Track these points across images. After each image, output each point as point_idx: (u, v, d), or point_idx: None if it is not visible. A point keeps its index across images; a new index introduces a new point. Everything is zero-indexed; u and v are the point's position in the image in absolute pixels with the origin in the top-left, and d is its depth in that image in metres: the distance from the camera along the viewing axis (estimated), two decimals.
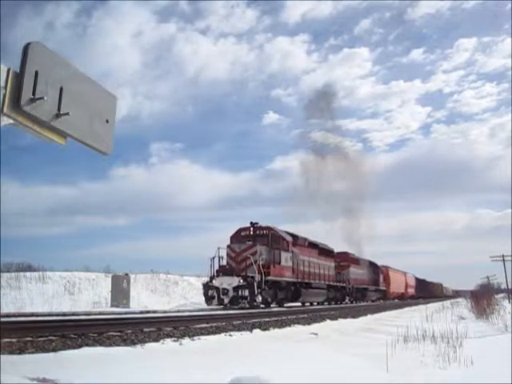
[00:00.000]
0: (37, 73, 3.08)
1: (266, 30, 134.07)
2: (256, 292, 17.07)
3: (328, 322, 13.98)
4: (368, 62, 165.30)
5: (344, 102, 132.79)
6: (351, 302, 31.88)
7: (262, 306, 18.45)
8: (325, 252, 27.55)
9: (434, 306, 30.62)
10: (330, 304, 27.53)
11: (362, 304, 32.81)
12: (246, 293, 17.02)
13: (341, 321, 14.91)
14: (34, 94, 3.05)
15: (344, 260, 32.32)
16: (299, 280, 21.74)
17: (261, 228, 20.46)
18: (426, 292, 69.49)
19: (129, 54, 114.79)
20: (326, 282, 26.20)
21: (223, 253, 19.27)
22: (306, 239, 24.65)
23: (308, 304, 25.99)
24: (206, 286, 17.97)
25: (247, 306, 17.10)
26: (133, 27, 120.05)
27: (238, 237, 20.24)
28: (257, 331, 9.97)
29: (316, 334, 10.02)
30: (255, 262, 17.73)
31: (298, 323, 12.61)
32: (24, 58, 3.04)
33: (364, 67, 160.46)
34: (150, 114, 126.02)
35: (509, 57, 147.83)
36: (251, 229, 20.39)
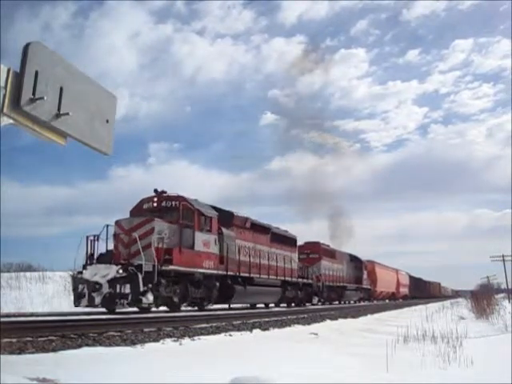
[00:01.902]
0: (37, 73, 3.08)
1: (262, 31, 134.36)
2: (142, 288, 11.58)
3: (328, 321, 13.98)
4: (364, 62, 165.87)
5: (341, 103, 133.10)
6: (322, 304, 26.65)
7: (156, 308, 13.42)
8: (281, 239, 21.69)
9: (433, 306, 30.60)
10: (289, 306, 22.29)
11: (336, 306, 27.93)
12: (128, 289, 11.52)
13: (341, 321, 14.91)
14: (34, 94, 3.05)
15: (314, 251, 27.37)
16: (231, 273, 15.91)
17: (169, 198, 14.62)
18: (423, 292, 65.38)
19: (126, 54, 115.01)
20: (281, 278, 20.39)
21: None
22: (247, 219, 18.56)
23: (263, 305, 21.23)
24: (75, 280, 12.16)
25: (127, 307, 11.85)
26: (130, 28, 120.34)
27: (139, 211, 14.46)
28: (257, 331, 9.97)
29: (316, 334, 10.02)
30: (150, 244, 12.34)
31: (298, 323, 12.61)
32: (24, 58, 3.04)
33: (360, 68, 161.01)
34: (148, 114, 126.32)
35: (505, 58, 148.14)
36: (155, 199, 14.65)
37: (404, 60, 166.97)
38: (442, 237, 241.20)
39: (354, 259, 35.12)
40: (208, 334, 8.83)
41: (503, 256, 39.33)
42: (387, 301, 44.50)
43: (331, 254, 30.01)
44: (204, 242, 14.52)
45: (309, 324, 12.74)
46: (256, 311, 16.19)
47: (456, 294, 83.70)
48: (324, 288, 26.61)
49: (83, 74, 3.57)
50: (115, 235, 13.09)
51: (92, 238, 12.80)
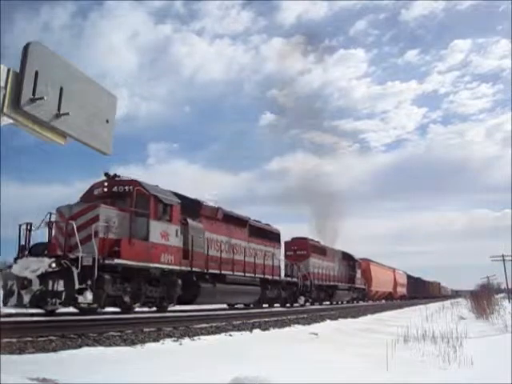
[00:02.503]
0: (37, 73, 3.08)
1: (261, 32, 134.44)
2: (78, 285, 9.79)
3: (328, 321, 13.99)
4: (364, 62, 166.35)
5: (340, 103, 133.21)
6: (311, 304, 24.57)
7: (102, 309, 11.47)
8: (262, 233, 19.67)
9: (433, 306, 30.60)
10: (271, 306, 20.16)
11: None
12: (62, 286, 9.83)
13: (341, 321, 14.91)
14: (34, 93, 3.05)
15: (302, 248, 25.44)
16: (197, 269, 13.82)
17: (121, 183, 12.66)
18: (421, 292, 63.24)
19: (125, 55, 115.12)
20: (260, 276, 18.15)
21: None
22: (218, 209, 16.37)
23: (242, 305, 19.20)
24: (4, 275, 10.53)
25: (59, 307, 10.23)
26: (129, 28, 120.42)
27: (89, 197, 12.57)
28: (257, 331, 9.97)
29: (316, 334, 10.02)
30: (94, 234, 10.53)
31: (298, 323, 12.62)
32: (24, 58, 3.04)
33: (360, 68, 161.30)
34: (148, 114, 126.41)
35: (503, 58, 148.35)
36: (106, 184, 12.71)
37: (403, 60, 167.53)
38: (442, 237, 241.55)
39: (346, 257, 33.08)
40: (208, 333, 8.84)
41: (503, 256, 39.31)
42: (383, 301, 42.88)
43: (321, 250, 27.87)
44: (162, 232, 12.51)
45: (309, 324, 12.75)
46: (256, 311, 16.17)
47: (456, 294, 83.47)
48: (312, 287, 24.41)
49: (83, 74, 3.57)
50: (52, 223, 11.19)
51: (25, 226, 10.82)
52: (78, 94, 3.46)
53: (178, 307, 14.27)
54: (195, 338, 8.05)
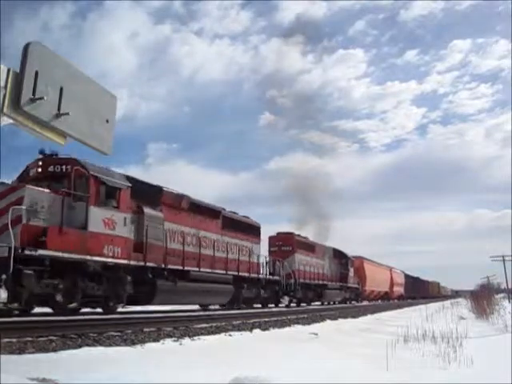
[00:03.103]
0: (37, 73, 3.08)
1: (260, 32, 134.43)
2: None
3: (328, 321, 14.00)
4: (363, 63, 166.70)
5: (339, 103, 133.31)
6: (297, 305, 23.00)
7: (27, 309, 9.92)
8: (238, 226, 17.69)
9: (433, 306, 30.61)
10: (249, 307, 17.86)
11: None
12: None
13: (341, 321, 14.92)
14: (34, 94, 3.05)
15: (287, 243, 23.56)
16: (152, 264, 11.96)
17: (58, 162, 10.88)
18: (420, 291, 61.86)
19: (125, 55, 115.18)
20: (234, 273, 16.34)
21: None
22: (183, 197, 14.29)
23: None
24: None
25: None
26: (128, 29, 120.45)
27: (25, 179, 10.83)
28: (257, 331, 9.98)
29: (316, 334, 10.02)
30: (15, 219, 8.91)
31: (298, 323, 12.63)
32: (24, 58, 3.04)
33: (359, 68, 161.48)
34: (147, 114, 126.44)
35: (503, 58, 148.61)
36: (40, 163, 10.93)
37: (402, 60, 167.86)
38: (442, 237, 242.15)
39: (338, 254, 30.99)
40: (208, 333, 8.84)
41: (503, 256, 39.34)
42: (379, 301, 41.15)
43: (309, 247, 25.81)
44: (106, 220, 10.74)
45: (309, 324, 12.76)
46: (256, 311, 16.18)
47: (456, 294, 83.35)
48: (298, 286, 22.31)
49: (83, 74, 3.57)
50: None
51: None
52: (78, 94, 3.46)
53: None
54: (195, 337, 8.05)
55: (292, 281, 21.82)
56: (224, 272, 15.70)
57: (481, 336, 10.40)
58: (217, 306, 17.52)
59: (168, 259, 12.69)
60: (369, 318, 18.12)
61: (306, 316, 15.29)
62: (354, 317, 17.32)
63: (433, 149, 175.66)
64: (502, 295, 41.58)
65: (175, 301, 13.90)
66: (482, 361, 6.37)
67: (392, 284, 46.15)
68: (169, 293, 12.62)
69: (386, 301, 42.85)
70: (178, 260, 13.32)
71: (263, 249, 20.95)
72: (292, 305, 22.26)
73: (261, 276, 18.97)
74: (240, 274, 16.78)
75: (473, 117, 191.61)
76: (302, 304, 23.87)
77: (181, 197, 14.26)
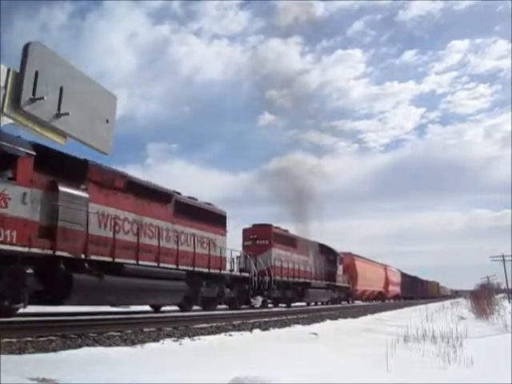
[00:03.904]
0: (37, 73, 3.08)
1: (258, 32, 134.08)
2: None
3: (328, 321, 13.99)
4: (361, 63, 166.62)
5: (338, 103, 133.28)
6: (274, 305, 20.64)
7: None
8: (196, 214, 15.04)
9: (433, 306, 30.61)
10: (208, 309, 15.22)
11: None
12: None
13: (341, 321, 14.92)
14: (34, 94, 3.06)
15: (263, 237, 20.95)
16: (66, 254, 9.56)
17: None
18: (418, 291, 59.65)
19: (124, 55, 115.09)
20: (187, 267, 13.81)
21: None
22: (117, 174, 11.90)
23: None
24: None
25: None
26: (127, 29, 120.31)
27: None
28: (257, 331, 9.97)
29: (316, 334, 10.02)
30: None
31: (298, 323, 12.62)
32: (24, 58, 3.04)
33: (357, 68, 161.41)
34: (146, 114, 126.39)
35: (501, 58, 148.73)
36: None
37: (400, 61, 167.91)
38: (442, 237, 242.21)
39: (325, 250, 28.33)
40: (208, 333, 8.83)
41: (503, 256, 39.32)
42: (374, 302, 38.84)
43: (289, 241, 23.33)
44: None
45: (309, 324, 12.75)
46: (256, 311, 16.18)
47: (456, 294, 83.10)
48: (274, 285, 19.60)
49: (83, 74, 3.57)
50: None
51: None
52: (78, 94, 3.46)
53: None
54: (195, 337, 8.05)
55: (267, 278, 19.14)
56: (174, 266, 13.21)
57: (481, 336, 10.39)
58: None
59: (91, 248, 10.28)
60: (369, 317, 18.11)
61: (305, 316, 15.29)
62: (353, 317, 17.31)
63: (432, 149, 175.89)
64: (501, 295, 41.57)
65: (102, 300, 11.17)
66: (482, 361, 6.37)
67: (387, 283, 43.66)
68: (91, 290, 10.13)
69: (381, 301, 40.92)
70: (107, 250, 10.92)
71: (234, 243, 18.96)
72: (268, 305, 19.90)
73: (224, 272, 16.19)
74: (196, 269, 14.20)
75: (472, 117, 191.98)
76: (281, 305, 21.52)
77: (115, 174, 11.84)
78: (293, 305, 22.56)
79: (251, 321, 11.94)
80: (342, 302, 30.32)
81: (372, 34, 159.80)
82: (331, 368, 5.77)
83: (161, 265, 12.57)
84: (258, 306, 18.33)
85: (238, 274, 17.41)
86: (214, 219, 16.12)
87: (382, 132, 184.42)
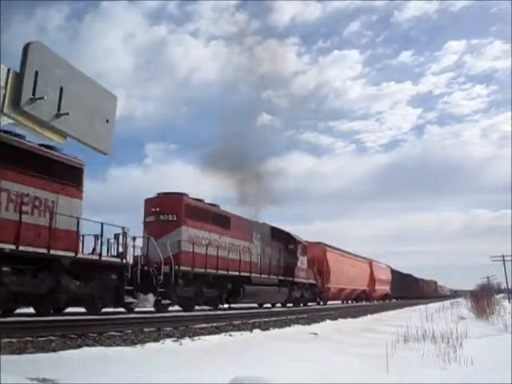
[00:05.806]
0: (37, 73, 3.08)
1: (255, 33, 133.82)
2: None
3: (328, 321, 13.98)
4: (358, 63, 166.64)
5: (335, 104, 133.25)
6: (184, 309, 14.70)
7: None
8: (22, 160, 9.54)
9: (433, 306, 30.60)
10: (42, 316, 9.56)
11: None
12: None
13: (341, 321, 14.91)
14: (34, 94, 3.05)
15: (169, 211, 14.88)
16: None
17: None
18: (413, 291, 54.85)
19: (121, 56, 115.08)
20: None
21: None
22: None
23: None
24: None
25: None
26: (124, 30, 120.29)
27: None
28: (257, 331, 9.96)
29: (316, 334, 10.02)
30: None
31: (298, 323, 12.62)
32: (24, 58, 3.04)
33: (354, 69, 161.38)
34: (144, 114, 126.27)
35: (497, 59, 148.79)
36: None
37: (397, 61, 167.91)
38: (441, 237, 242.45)
39: (282, 237, 21.99)
40: (208, 334, 8.83)
41: (503, 256, 39.32)
42: (358, 303, 32.97)
43: (215, 217, 16.83)
44: None
45: (309, 324, 12.75)
46: (256, 311, 16.19)
47: (455, 294, 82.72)
48: (180, 279, 14.00)
49: (83, 74, 3.57)
50: None
51: None
52: (78, 94, 3.46)
53: None
54: (195, 338, 8.04)
55: (165, 268, 13.40)
56: None
57: (481, 336, 10.38)
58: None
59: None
60: (369, 318, 18.11)
61: (305, 316, 15.30)
62: (353, 317, 17.31)
63: (430, 149, 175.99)
64: (502, 295, 41.56)
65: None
66: (482, 361, 6.35)
67: (373, 281, 37.30)
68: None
69: (366, 302, 35.13)
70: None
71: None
72: (168, 307, 13.88)
73: (80, 256, 10.66)
74: (19, 248, 9.06)
75: (468, 117, 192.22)
76: (199, 307, 15.63)
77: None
78: (227, 306, 17.24)
79: (251, 321, 11.96)
80: (309, 304, 24.69)
81: (368, 34, 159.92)
82: (331, 368, 5.77)
83: None
84: (148, 307, 12.85)
85: (94, 258, 11.17)
86: (56, 172, 10.47)
87: (380, 132, 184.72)
